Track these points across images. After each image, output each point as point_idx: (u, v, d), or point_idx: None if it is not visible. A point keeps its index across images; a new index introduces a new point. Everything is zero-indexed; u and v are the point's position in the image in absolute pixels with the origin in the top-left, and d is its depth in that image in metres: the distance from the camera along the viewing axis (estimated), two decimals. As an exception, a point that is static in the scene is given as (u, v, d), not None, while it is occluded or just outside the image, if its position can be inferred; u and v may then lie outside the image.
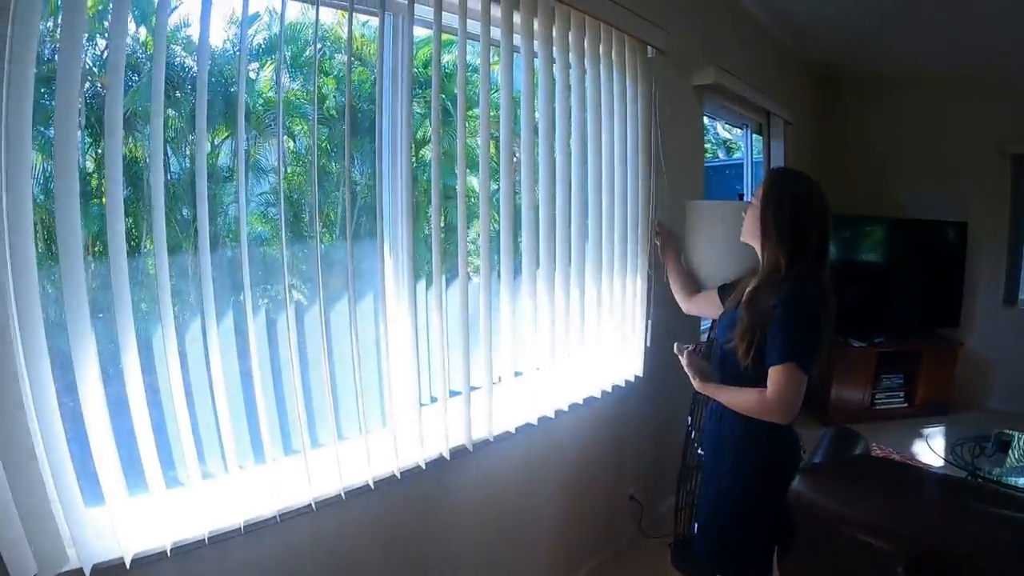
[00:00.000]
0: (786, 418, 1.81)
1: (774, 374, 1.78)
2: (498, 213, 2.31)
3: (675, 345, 2.13)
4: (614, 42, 2.70)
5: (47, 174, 2.33)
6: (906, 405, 5.20)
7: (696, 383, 2.05)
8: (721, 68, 3.46)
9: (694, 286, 2.64)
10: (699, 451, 2.95)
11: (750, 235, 2.01)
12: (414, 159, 2.20)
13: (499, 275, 2.32)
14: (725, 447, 2.05)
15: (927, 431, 4.85)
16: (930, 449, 4.27)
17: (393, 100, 2.11)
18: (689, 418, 3.02)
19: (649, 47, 2.89)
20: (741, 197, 3.94)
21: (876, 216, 5.18)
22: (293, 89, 3.13)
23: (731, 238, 2.58)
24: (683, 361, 2.08)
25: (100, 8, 2.48)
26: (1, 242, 1.34)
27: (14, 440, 1.36)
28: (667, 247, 2.82)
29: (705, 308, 2.52)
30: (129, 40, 2.64)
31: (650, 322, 2.94)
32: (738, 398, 1.91)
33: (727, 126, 4.91)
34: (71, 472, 1.47)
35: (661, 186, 3.00)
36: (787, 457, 1.96)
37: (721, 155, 5.44)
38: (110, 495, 1.53)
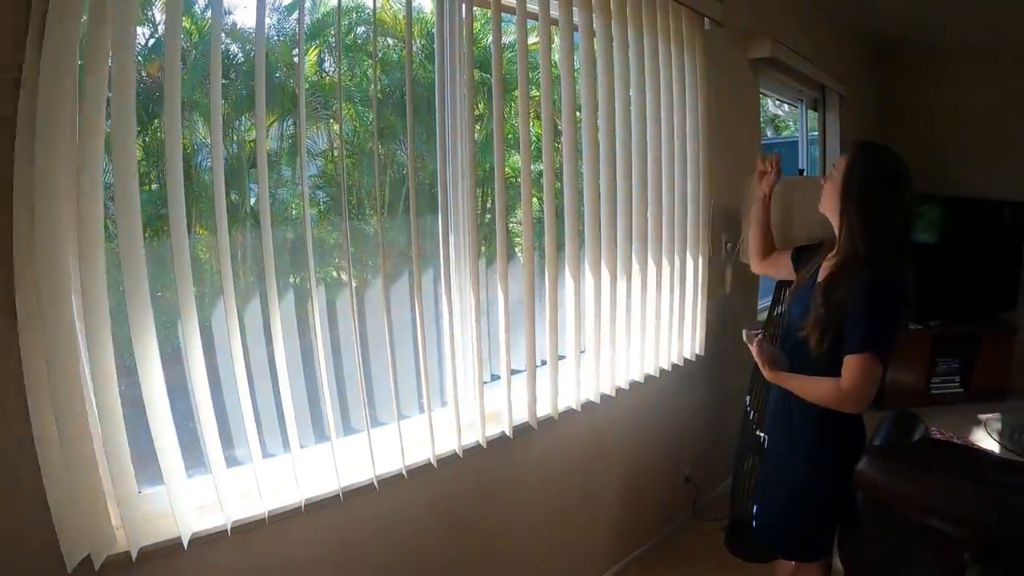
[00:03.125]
0: (859, 408, 1.77)
1: (851, 362, 1.71)
2: (559, 194, 2.27)
3: (744, 332, 2.04)
4: (671, 15, 2.62)
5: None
6: (962, 390, 5.04)
7: (767, 372, 1.95)
8: (777, 41, 3.35)
9: (770, 245, 2.40)
10: (757, 432, 2.89)
11: (828, 207, 1.90)
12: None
13: (560, 254, 2.28)
14: (793, 434, 1.99)
15: (984, 417, 4.69)
16: (988, 435, 4.13)
17: (451, 79, 2.06)
18: (747, 398, 2.96)
19: (706, 19, 2.81)
20: (802, 173, 3.83)
21: (933, 194, 5.00)
22: (338, 73, 3.12)
23: (796, 215, 2.51)
24: (753, 350, 1.99)
25: None
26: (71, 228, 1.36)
27: (73, 421, 1.36)
28: (764, 186, 2.39)
29: (775, 269, 2.39)
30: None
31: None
32: (811, 388, 1.84)
33: (777, 101, 4.78)
34: (126, 454, 1.46)
35: (717, 162, 2.92)
36: (853, 442, 1.90)
37: (769, 133, 5.30)
38: (169, 475, 1.53)
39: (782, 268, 2.27)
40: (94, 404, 1.42)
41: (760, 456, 2.87)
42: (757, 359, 1.97)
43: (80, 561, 1.38)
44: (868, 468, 1.77)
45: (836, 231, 1.88)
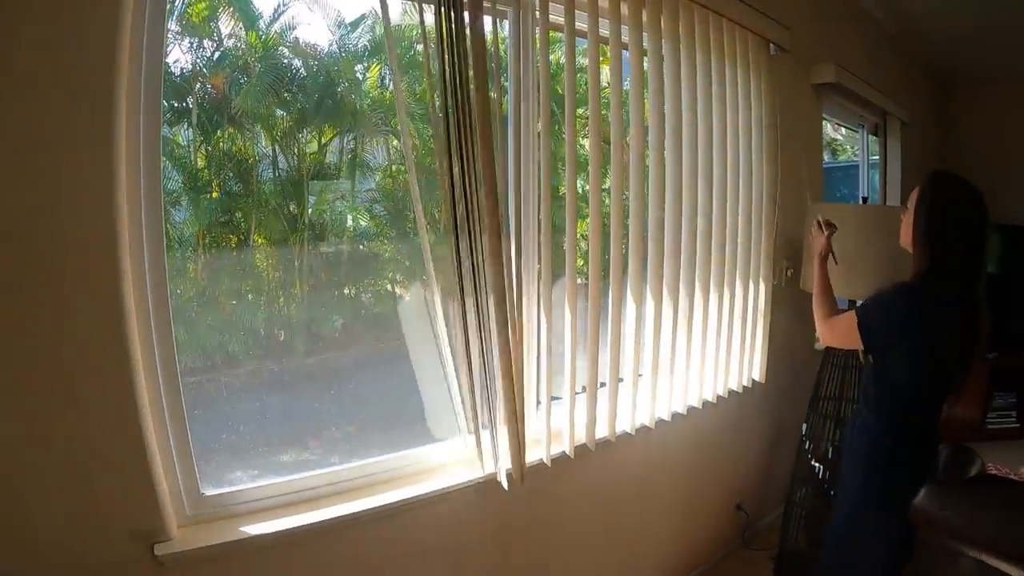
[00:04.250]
0: (824, 339, 2.11)
1: (848, 313, 1.95)
2: (626, 218, 2.26)
3: (819, 218, 2.21)
4: (737, 40, 2.61)
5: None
6: (1018, 426, 4.86)
7: (818, 256, 2.17)
8: (840, 66, 3.31)
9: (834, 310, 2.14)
10: (812, 463, 2.83)
11: (905, 242, 1.92)
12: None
13: (623, 277, 2.27)
14: (855, 466, 2.01)
15: (1042, 454, 4.53)
16: (1043, 474, 3.99)
17: (519, 99, 2.06)
18: (804, 427, 2.90)
19: (772, 44, 2.79)
20: (864, 200, 3.77)
21: (993, 223, 4.86)
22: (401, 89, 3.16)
23: (860, 245, 2.46)
24: (816, 232, 2.21)
25: (208, 13, 2.57)
26: (139, 237, 1.42)
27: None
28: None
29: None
30: (237, 42, 2.74)
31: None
32: (821, 301, 2.09)
33: (836, 125, 4.72)
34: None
35: (779, 190, 2.89)
36: (912, 475, 1.87)
37: (826, 157, 5.24)
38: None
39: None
40: (164, 404, 1.49)
41: (814, 487, 2.82)
42: (816, 246, 2.20)
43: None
44: (925, 503, 1.75)
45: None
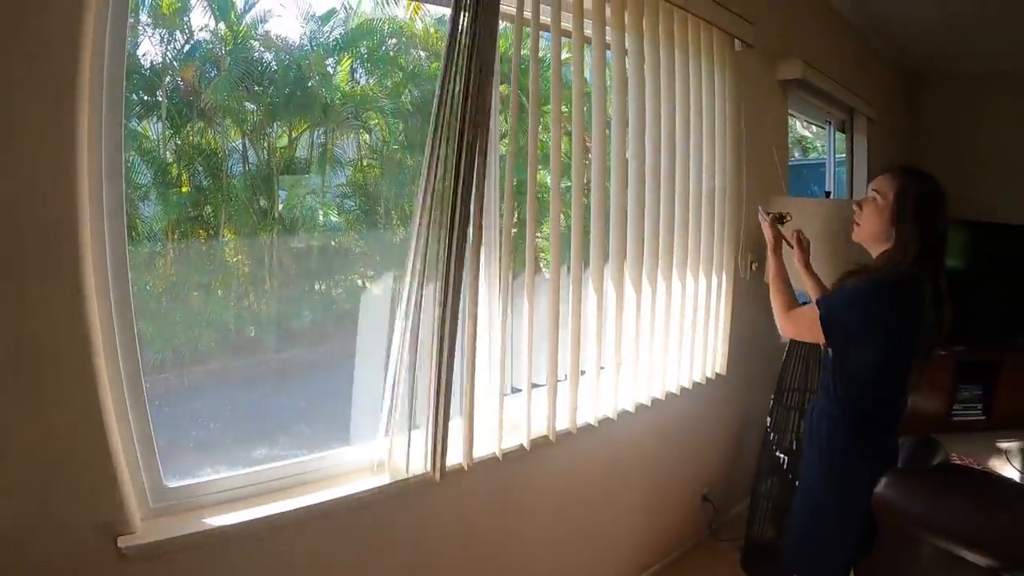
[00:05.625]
0: (783, 332, 2.09)
1: (810, 306, 1.94)
2: (588, 210, 2.28)
3: (759, 209, 2.24)
4: (702, 35, 2.63)
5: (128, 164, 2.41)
6: (984, 418, 4.95)
7: (770, 251, 2.19)
8: (807, 63, 3.35)
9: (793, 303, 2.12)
10: (777, 454, 2.87)
11: (869, 236, 1.91)
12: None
13: (585, 269, 2.29)
14: (817, 455, 2.02)
15: (1006, 445, 4.62)
16: (1008, 462, 4.08)
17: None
18: (768, 419, 2.94)
19: (736, 40, 2.82)
20: (828, 195, 3.82)
21: (959, 219, 4.95)
22: (370, 83, 3.16)
23: (824, 238, 2.49)
24: (765, 227, 2.23)
25: (179, 5, 2.55)
26: (100, 231, 1.42)
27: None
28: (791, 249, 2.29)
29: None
30: (208, 35, 2.72)
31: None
32: (778, 292, 2.07)
33: (806, 123, 4.78)
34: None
35: (744, 183, 2.92)
36: (878, 466, 1.89)
37: (796, 154, 5.30)
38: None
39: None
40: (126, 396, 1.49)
41: (779, 477, 2.86)
42: (766, 233, 2.23)
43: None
44: (887, 491, 1.77)
45: (873, 256, 1.91)
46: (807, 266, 2.23)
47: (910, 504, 1.77)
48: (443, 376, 1.81)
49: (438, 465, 1.88)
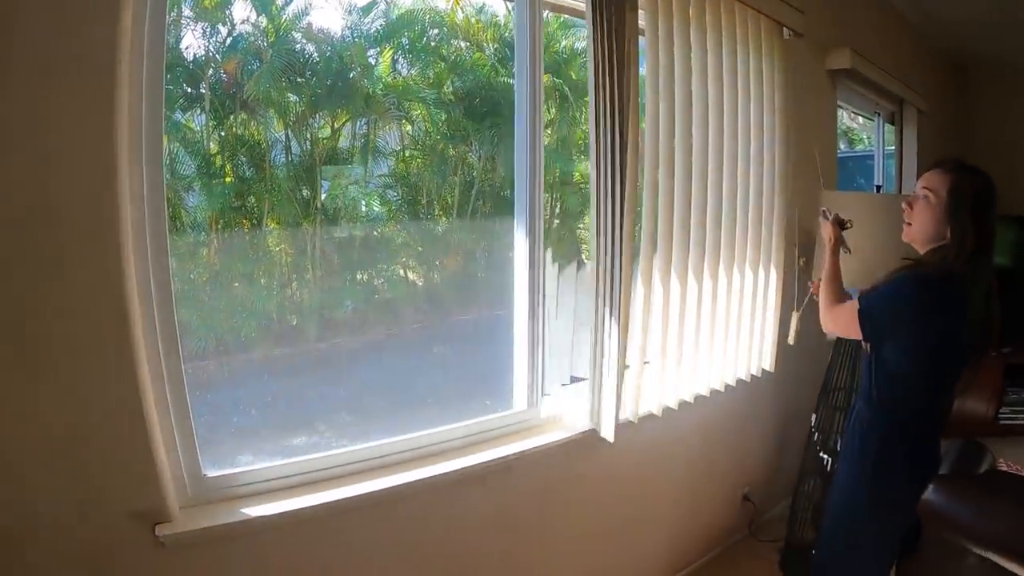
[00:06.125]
0: (824, 325, 2.01)
1: (851, 302, 1.89)
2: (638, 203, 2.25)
3: (822, 209, 2.19)
4: (750, 23, 2.58)
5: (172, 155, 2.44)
6: (1033, 421, 4.82)
7: (828, 252, 2.11)
8: (856, 52, 3.27)
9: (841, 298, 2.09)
10: (821, 454, 2.82)
11: (921, 236, 1.82)
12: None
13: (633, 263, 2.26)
14: (860, 457, 1.93)
15: (1056, 451, 4.48)
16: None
17: (529, 85, 2.06)
18: (814, 418, 2.88)
19: (785, 29, 2.76)
20: (878, 189, 3.72)
21: (1008, 215, 4.79)
22: (411, 74, 3.17)
23: (875, 235, 2.43)
24: (825, 224, 2.16)
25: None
26: (141, 221, 1.42)
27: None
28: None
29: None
30: (250, 28, 2.74)
31: (796, 314, 2.77)
32: (828, 289, 2.01)
33: (854, 113, 4.68)
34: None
35: (793, 176, 2.86)
36: (921, 470, 1.85)
37: (842, 146, 5.19)
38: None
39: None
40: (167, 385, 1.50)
41: (822, 479, 2.81)
42: (825, 236, 2.15)
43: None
44: (933, 498, 1.72)
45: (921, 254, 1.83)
46: (835, 250, 2.14)
47: (956, 512, 1.74)
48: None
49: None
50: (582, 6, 2.06)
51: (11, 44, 1.19)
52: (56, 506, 1.33)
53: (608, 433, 2.22)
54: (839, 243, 2.12)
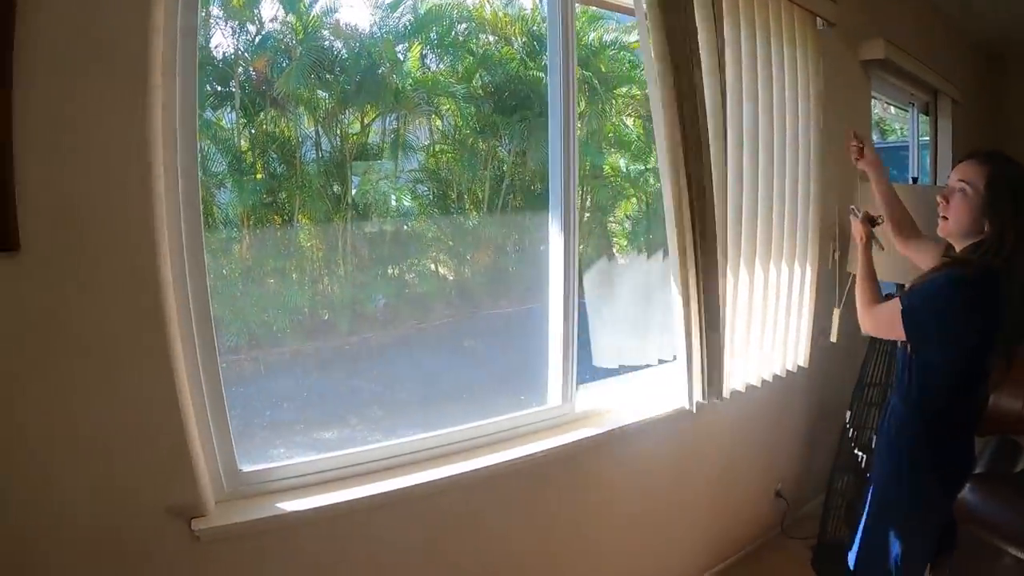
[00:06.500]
0: (864, 327, 1.97)
1: (892, 302, 1.84)
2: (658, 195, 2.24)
3: (851, 208, 2.15)
4: (783, 13, 2.54)
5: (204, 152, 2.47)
6: (1071, 417, 4.72)
7: (861, 246, 2.07)
8: (890, 42, 3.22)
9: (911, 226, 2.15)
10: (855, 452, 2.79)
11: (958, 230, 1.78)
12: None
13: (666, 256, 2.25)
14: (894, 456, 1.93)
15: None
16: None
17: (562, 78, 2.05)
18: (848, 415, 2.85)
19: (818, 19, 2.72)
20: (915, 181, 3.67)
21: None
22: (440, 69, 3.17)
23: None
24: (855, 222, 2.12)
25: None
26: (177, 218, 1.45)
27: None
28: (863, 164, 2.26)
29: (921, 256, 2.05)
30: (279, 26, 2.76)
31: (838, 311, 2.74)
32: (863, 288, 1.96)
33: (884, 104, 4.61)
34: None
35: (826, 168, 2.83)
36: (944, 469, 1.82)
37: (875, 137, 5.12)
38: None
39: (931, 260, 1.96)
40: (202, 380, 1.51)
41: (856, 476, 2.78)
42: (856, 234, 2.12)
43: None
44: (969, 497, 1.70)
45: (958, 249, 1.80)
46: (867, 247, 2.10)
47: (991, 512, 1.71)
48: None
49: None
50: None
51: (47, 41, 1.21)
52: (92, 501, 1.34)
53: (641, 426, 2.22)
54: (871, 240, 2.08)
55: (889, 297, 1.94)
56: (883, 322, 1.87)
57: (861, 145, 2.19)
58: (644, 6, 2.00)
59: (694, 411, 2.26)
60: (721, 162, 2.30)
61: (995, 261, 1.66)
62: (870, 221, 2.10)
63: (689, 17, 2.05)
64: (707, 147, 2.18)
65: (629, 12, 2.13)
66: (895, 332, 1.81)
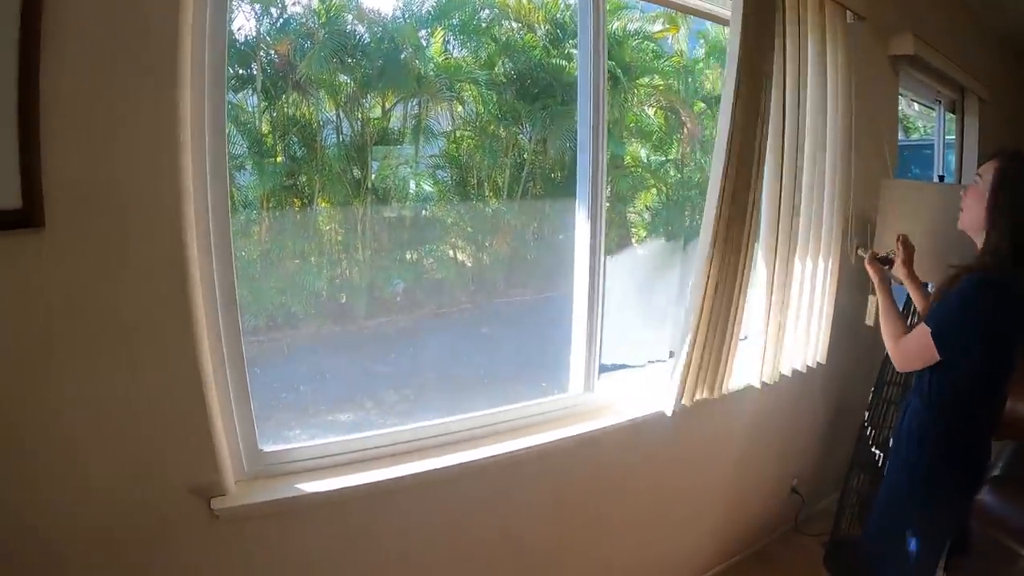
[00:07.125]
0: (897, 364, 1.88)
1: (917, 329, 1.77)
2: (688, 186, 2.22)
3: (858, 249, 2.23)
4: (810, 3, 2.51)
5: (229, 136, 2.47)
6: (1088, 421, 4.67)
7: (877, 287, 2.02)
8: (919, 38, 3.17)
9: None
10: (873, 450, 2.77)
11: (971, 224, 1.78)
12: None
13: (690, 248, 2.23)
14: (911, 456, 1.89)
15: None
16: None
17: (592, 66, 2.03)
18: (867, 413, 2.83)
19: (848, 12, 2.68)
20: (941, 179, 3.62)
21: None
22: (463, 55, 3.16)
23: (936, 226, 2.37)
24: (867, 266, 2.11)
25: None
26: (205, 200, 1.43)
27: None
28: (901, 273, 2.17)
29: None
30: (301, 9, 2.76)
31: (872, 297, 2.69)
32: (887, 324, 1.91)
33: (912, 101, 4.55)
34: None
35: (854, 163, 2.79)
36: (960, 470, 1.81)
37: (899, 135, 5.07)
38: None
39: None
40: (226, 360, 1.51)
41: (872, 474, 2.76)
42: (869, 270, 2.10)
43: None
44: (986, 500, 1.68)
45: (978, 247, 1.77)
46: (911, 275, 2.09)
47: (1008, 515, 1.69)
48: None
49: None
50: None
51: (76, 25, 1.20)
52: (114, 479, 1.34)
53: (658, 418, 2.21)
54: (884, 279, 2.07)
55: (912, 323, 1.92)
56: (914, 351, 1.80)
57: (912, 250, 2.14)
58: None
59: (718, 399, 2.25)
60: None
61: (1001, 257, 1.66)
62: (881, 261, 2.09)
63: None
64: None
65: (656, 1, 2.11)
66: (927, 358, 1.76)
